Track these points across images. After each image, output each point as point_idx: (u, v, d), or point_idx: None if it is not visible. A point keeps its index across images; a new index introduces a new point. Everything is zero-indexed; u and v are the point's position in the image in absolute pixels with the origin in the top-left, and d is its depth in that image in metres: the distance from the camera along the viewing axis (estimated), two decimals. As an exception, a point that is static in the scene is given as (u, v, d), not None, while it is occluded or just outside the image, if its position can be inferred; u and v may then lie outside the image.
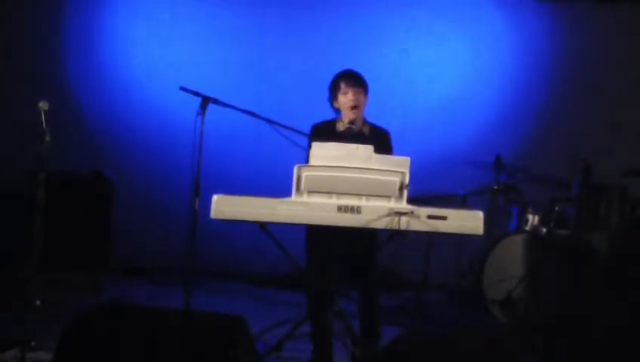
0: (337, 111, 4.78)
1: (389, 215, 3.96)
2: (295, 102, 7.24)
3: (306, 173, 4.00)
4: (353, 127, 4.65)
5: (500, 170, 6.46)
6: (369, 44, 7.48)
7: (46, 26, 7.65)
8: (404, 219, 3.95)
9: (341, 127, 4.69)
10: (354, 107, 4.64)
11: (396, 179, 4.03)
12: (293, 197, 4.00)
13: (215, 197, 3.98)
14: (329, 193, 4.01)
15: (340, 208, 3.97)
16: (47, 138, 4.58)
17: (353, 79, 4.65)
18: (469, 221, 4.03)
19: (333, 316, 4.61)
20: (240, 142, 7.53)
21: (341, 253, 4.48)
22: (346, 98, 4.64)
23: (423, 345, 3.21)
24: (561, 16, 7.49)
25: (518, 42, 7.55)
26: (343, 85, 4.64)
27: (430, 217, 3.99)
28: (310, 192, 4.00)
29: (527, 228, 6.12)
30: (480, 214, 4.04)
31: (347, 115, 4.69)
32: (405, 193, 4.04)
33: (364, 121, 4.75)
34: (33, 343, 4.49)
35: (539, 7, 7.52)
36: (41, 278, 4.69)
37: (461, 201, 6.49)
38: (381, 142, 4.59)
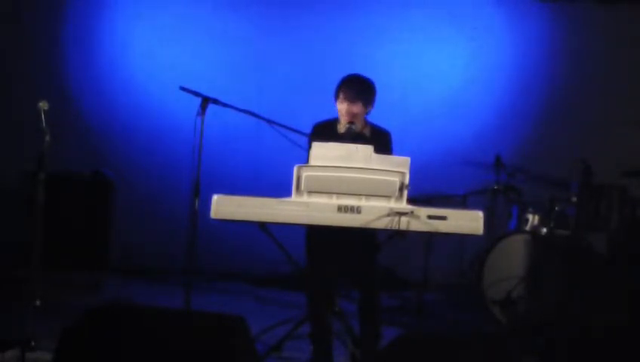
0: None
1: (389, 215, 3.96)
2: (295, 102, 7.24)
3: (306, 173, 4.00)
4: (353, 127, 4.64)
5: (500, 170, 6.46)
6: (369, 43, 7.48)
7: (46, 26, 7.65)
8: (404, 219, 3.95)
9: (342, 127, 4.68)
10: (347, 117, 4.63)
11: (396, 179, 4.03)
12: (293, 197, 3.99)
13: (215, 197, 3.98)
14: (329, 193, 4.00)
15: (340, 208, 3.96)
16: (47, 138, 4.58)
17: (352, 91, 4.60)
18: (469, 221, 4.03)
19: (333, 316, 4.61)
20: (240, 142, 7.53)
21: (341, 253, 4.48)
22: (342, 107, 4.63)
23: (423, 345, 3.21)
24: (561, 16, 7.49)
25: (517, 42, 7.55)
26: (341, 95, 4.63)
27: (430, 217, 3.99)
28: (310, 192, 4.00)
29: (527, 228, 6.12)
30: (480, 214, 4.04)
31: (342, 121, 4.68)
32: (405, 193, 4.04)
33: (365, 122, 4.74)
34: (33, 343, 4.48)
35: (539, 7, 7.52)
36: (41, 278, 4.68)
37: (461, 201, 6.50)
38: (381, 142, 4.58)
